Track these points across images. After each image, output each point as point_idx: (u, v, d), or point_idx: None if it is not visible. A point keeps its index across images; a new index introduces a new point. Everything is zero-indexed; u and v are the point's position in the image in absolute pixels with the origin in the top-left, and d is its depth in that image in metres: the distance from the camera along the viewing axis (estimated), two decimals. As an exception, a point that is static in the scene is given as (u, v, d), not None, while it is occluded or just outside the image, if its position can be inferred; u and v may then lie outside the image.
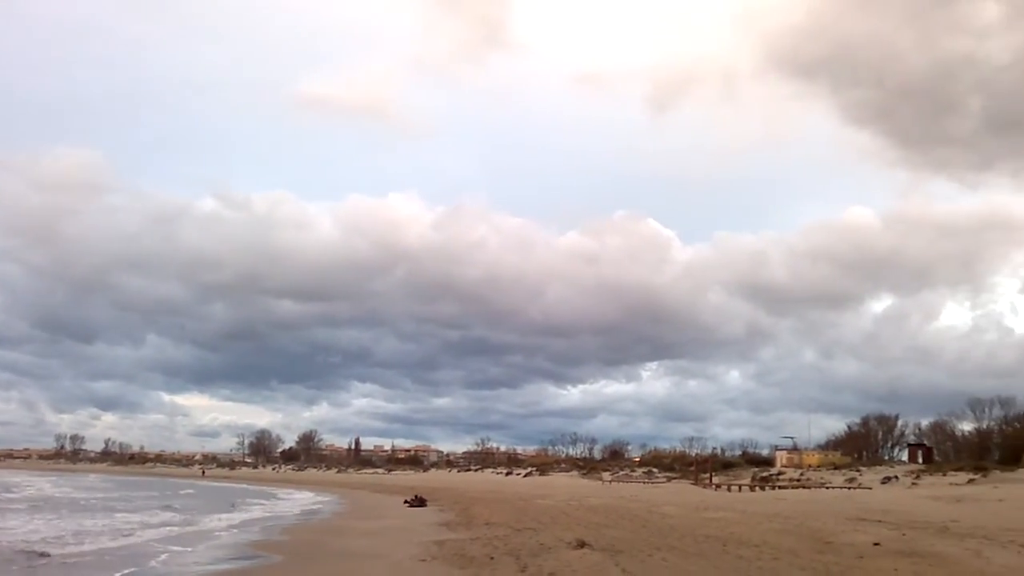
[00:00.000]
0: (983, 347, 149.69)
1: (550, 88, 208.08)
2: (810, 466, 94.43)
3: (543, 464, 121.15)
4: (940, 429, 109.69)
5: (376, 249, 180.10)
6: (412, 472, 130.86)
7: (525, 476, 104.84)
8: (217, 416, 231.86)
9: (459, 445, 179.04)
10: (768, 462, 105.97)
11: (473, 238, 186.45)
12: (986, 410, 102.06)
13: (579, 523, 28.55)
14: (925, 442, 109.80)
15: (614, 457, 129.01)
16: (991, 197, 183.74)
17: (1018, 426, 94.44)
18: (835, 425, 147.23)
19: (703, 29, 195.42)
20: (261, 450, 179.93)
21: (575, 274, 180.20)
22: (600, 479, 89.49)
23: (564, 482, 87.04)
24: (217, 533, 29.37)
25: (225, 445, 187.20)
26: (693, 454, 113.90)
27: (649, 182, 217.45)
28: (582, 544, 19.79)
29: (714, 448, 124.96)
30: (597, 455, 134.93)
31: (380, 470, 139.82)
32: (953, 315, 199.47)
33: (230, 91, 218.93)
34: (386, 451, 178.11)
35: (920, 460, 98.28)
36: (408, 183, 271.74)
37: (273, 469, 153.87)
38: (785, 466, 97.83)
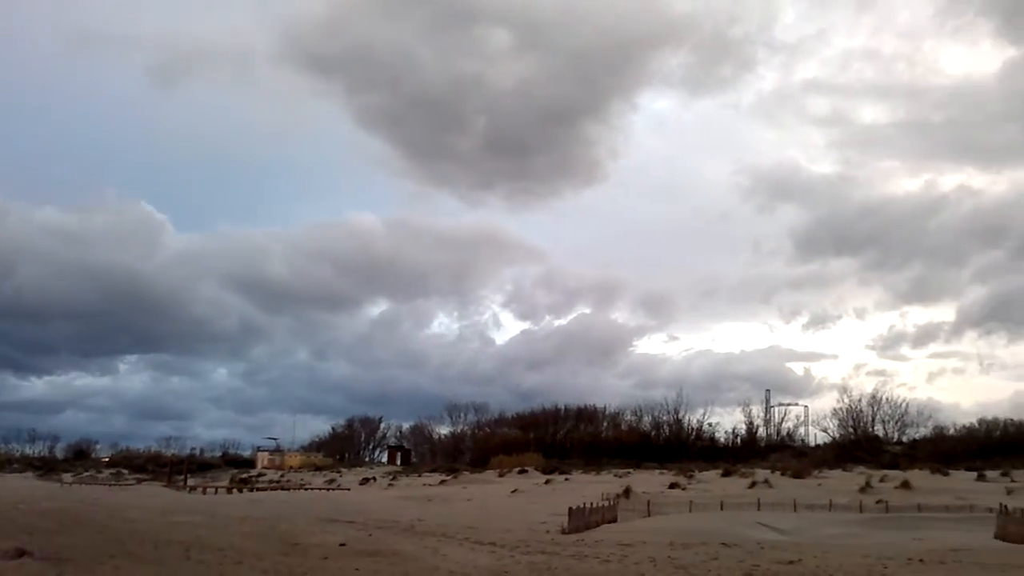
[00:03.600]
0: (466, 355, 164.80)
1: (39, 44, 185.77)
2: (292, 467, 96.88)
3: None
4: (420, 432, 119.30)
5: None
6: None
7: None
8: None
9: None
10: (250, 463, 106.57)
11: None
12: (462, 415, 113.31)
13: (24, 529, 26.14)
14: (405, 444, 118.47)
15: (79, 457, 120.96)
16: (487, 216, 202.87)
17: (488, 430, 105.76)
18: (322, 426, 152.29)
19: (219, 2, 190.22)
20: None
21: (50, 253, 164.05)
22: (60, 481, 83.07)
23: (14, 484, 79.16)
24: None
25: None
26: (169, 454, 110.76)
27: (146, 162, 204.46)
28: (22, 553, 18.19)
29: (193, 448, 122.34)
30: (59, 454, 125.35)
31: None
32: (442, 324, 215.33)
33: None
34: None
35: (399, 461, 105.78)
36: None
37: None
38: (267, 467, 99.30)
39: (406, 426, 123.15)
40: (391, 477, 77.05)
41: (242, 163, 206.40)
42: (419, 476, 76.58)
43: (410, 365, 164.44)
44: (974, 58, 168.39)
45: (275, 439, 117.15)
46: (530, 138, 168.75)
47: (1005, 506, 32.56)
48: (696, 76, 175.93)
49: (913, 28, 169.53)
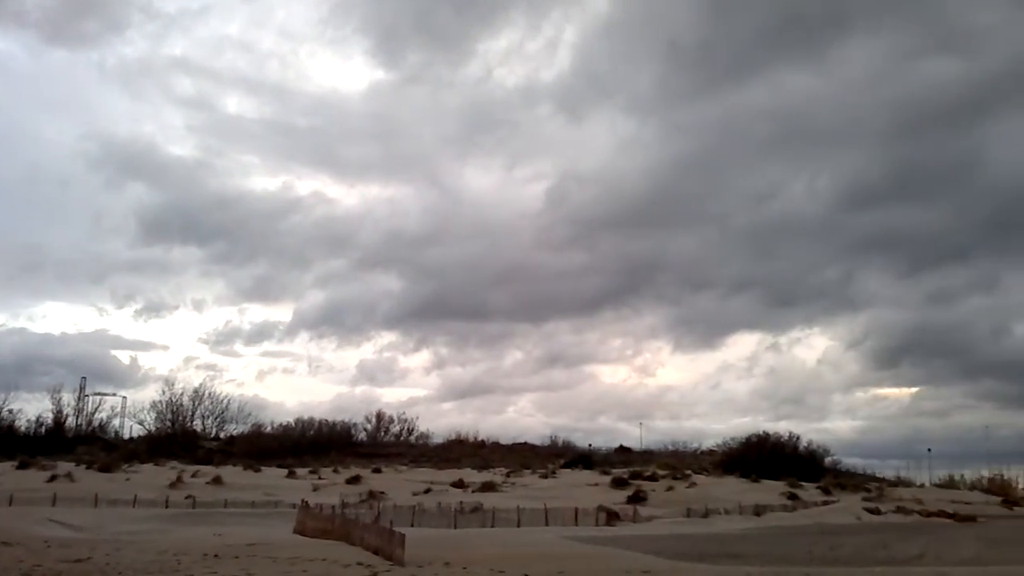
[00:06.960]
0: None
1: None
2: None
3: None
4: None
5: None
6: None
7: None
8: None
9: None
10: None
11: None
12: None
13: None
14: None
15: None
16: None
17: None
18: None
19: None
20: None
21: None
22: None
23: None
24: None
25: None
26: None
27: None
28: None
29: None
30: None
31: None
32: None
33: None
34: None
35: None
36: None
37: None
38: None
39: None
40: None
41: None
42: None
43: None
44: (345, 72, 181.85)
45: None
46: None
47: (306, 502, 35.14)
48: (55, 22, 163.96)
49: (292, 30, 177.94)
